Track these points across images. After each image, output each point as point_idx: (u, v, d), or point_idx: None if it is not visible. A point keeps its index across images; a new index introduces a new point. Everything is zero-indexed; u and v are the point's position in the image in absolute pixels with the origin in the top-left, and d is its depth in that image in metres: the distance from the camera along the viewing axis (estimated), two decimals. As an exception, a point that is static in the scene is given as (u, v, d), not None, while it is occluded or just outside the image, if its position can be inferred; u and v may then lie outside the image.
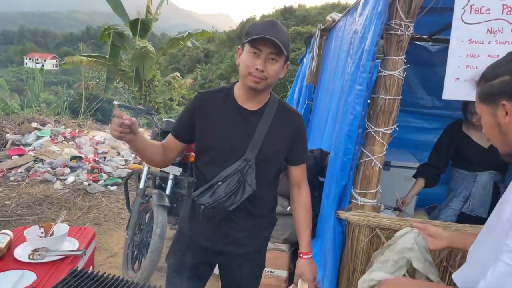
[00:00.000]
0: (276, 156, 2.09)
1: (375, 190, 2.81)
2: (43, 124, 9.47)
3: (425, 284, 1.74)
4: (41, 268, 2.20)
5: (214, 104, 2.07)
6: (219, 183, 1.98)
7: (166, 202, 4.09)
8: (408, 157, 4.53)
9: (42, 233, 2.60)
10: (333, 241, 2.94)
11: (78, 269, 1.89)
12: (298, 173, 2.20)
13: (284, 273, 3.89)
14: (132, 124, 1.76)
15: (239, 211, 2.02)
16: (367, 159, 2.79)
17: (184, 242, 2.23)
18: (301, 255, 2.17)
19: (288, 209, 3.99)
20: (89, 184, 6.83)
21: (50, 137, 8.51)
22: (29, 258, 2.36)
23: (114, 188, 6.95)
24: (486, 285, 1.40)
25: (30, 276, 2.11)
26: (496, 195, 3.43)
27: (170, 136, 2.16)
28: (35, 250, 2.39)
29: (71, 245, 2.53)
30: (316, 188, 4.02)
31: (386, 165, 4.02)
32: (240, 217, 2.10)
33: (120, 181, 7.10)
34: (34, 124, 9.11)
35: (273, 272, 3.81)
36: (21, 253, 2.43)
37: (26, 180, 6.80)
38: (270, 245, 3.48)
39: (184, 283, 2.18)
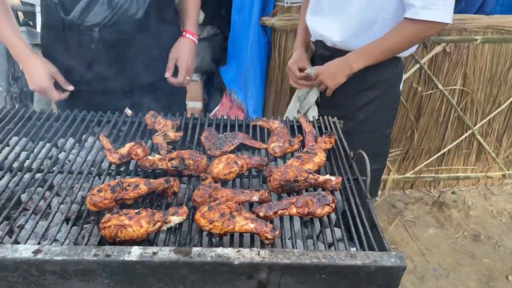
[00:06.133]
0: None
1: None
2: None
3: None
4: None
5: None
6: None
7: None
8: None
9: None
10: (259, 54, 2.64)
11: None
12: None
13: (199, 104, 3.63)
14: None
15: (144, 21, 1.53)
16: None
17: (76, 97, 1.66)
18: (184, 33, 1.71)
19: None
20: None
21: None
22: None
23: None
24: (428, 2, 1.47)
25: None
26: None
27: None
28: None
29: None
30: (222, 6, 3.52)
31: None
32: (147, 30, 1.59)
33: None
34: None
35: (188, 104, 3.53)
36: None
37: None
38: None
39: None
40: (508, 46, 2.70)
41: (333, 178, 1.06)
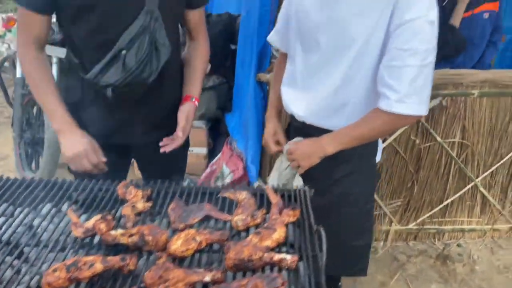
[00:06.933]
0: (178, 1, 1.67)
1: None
2: None
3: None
4: None
5: None
6: (124, 51, 1.53)
7: (55, 89, 3.45)
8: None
9: None
10: (255, 108, 2.70)
11: None
12: (197, 17, 1.79)
13: (203, 150, 3.70)
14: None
15: (155, 84, 1.63)
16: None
17: None
18: (188, 99, 1.78)
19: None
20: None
21: None
22: None
23: (-15, 85, 5.88)
24: (402, 95, 1.42)
25: None
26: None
27: (28, 15, 1.53)
28: None
29: None
30: (228, 57, 3.65)
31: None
32: (157, 92, 1.69)
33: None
34: None
35: (192, 150, 3.61)
36: None
37: None
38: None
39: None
40: (506, 100, 2.68)
41: (288, 257, 1.07)
